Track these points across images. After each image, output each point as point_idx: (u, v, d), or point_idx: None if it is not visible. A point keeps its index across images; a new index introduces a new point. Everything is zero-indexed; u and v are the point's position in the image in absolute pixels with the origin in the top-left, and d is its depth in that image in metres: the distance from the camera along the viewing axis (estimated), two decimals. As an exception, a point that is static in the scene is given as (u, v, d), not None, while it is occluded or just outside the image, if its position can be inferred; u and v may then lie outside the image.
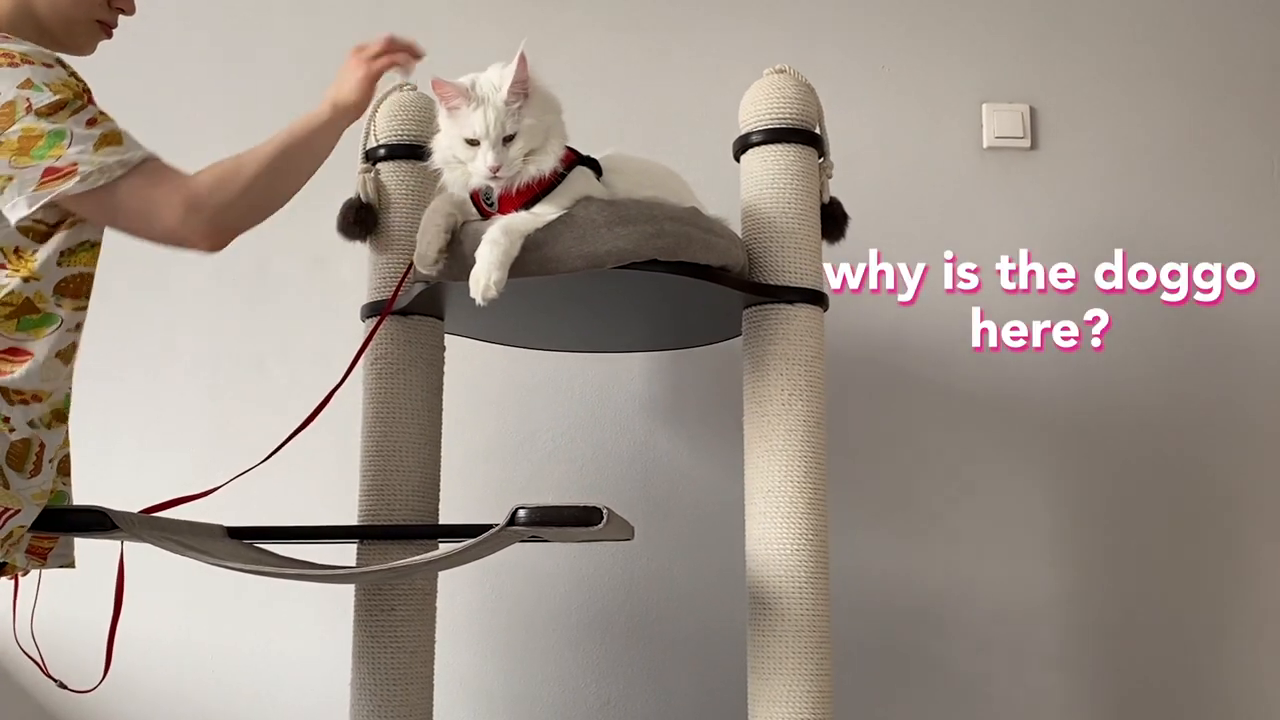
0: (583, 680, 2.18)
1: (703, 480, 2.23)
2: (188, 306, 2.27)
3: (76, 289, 1.33)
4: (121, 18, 1.48)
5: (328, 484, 2.09)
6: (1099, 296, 2.33)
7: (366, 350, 1.76)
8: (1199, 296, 2.34)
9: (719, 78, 2.32)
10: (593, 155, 1.64)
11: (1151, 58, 2.43)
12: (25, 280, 1.28)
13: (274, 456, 2.20)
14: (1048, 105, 2.40)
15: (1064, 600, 2.25)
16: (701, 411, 2.27)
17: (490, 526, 1.35)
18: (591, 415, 2.26)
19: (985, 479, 2.27)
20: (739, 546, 1.69)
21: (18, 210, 1.25)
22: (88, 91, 1.32)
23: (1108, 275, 2.33)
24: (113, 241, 1.60)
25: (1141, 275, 2.34)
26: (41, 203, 1.24)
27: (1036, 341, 2.31)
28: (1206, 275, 2.34)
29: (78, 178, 1.24)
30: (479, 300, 1.48)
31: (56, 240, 1.30)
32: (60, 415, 1.35)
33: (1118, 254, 2.35)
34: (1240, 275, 2.34)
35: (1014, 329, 2.30)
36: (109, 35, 1.47)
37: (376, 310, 1.75)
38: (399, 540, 1.68)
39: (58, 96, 1.26)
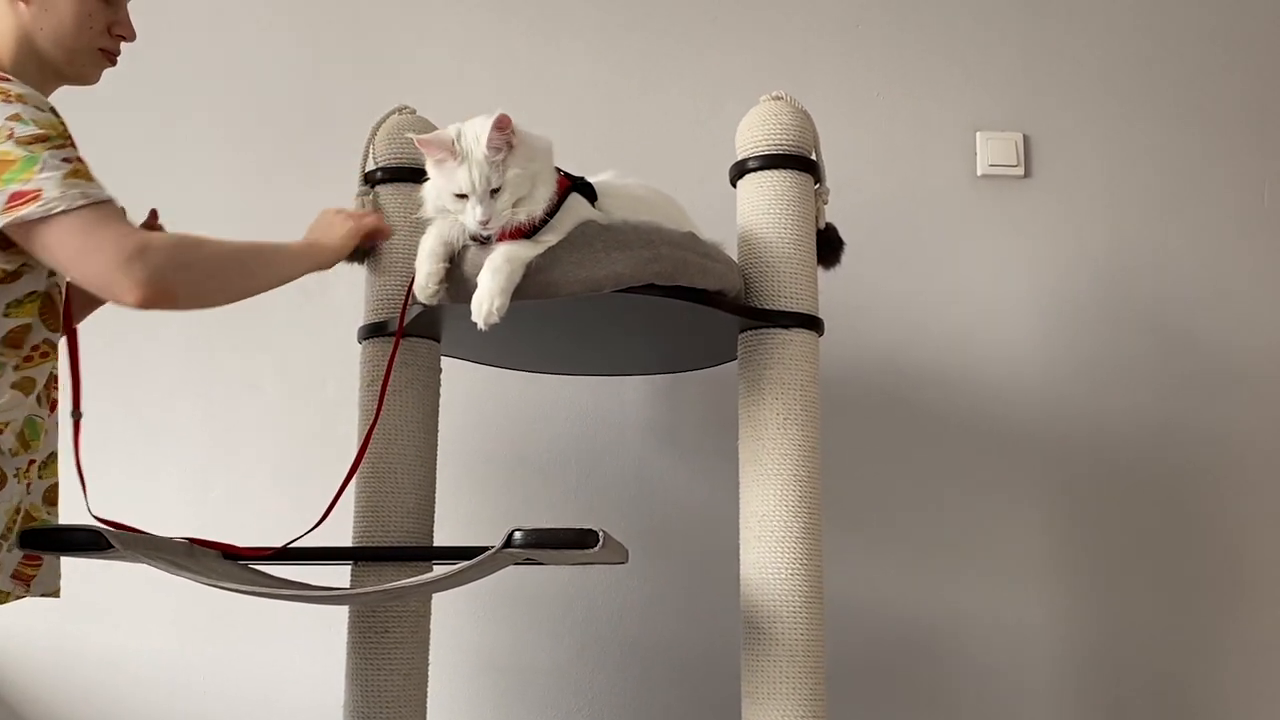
0: (576, 704, 2.18)
1: (698, 504, 2.24)
2: (181, 327, 2.27)
3: (17, 340, 1.33)
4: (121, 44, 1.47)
5: (322, 505, 2.09)
6: (1092, 321, 2.35)
7: (364, 372, 1.77)
8: (1191, 322, 2.36)
9: (716, 104, 2.34)
10: (588, 178, 1.66)
11: (1143, 86, 2.45)
12: None
13: (265, 478, 2.21)
14: (1041, 133, 2.42)
15: (1060, 624, 2.25)
16: (697, 435, 2.27)
17: (485, 549, 1.35)
18: (587, 438, 2.26)
19: (981, 503, 2.28)
20: (734, 570, 1.69)
21: None
22: (73, 140, 1.32)
23: (1100, 300, 2.36)
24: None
25: (1134, 300, 2.36)
26: (2, 224, 1.24)
27: (1031, 367, 2.32)
28: (1199, 300, 2.36)
29: (40, 202, 1.24)
30: (481, 325, 1.49)
31: (4, 290, 1.31)
32: (22, 440, 1.34)
33: (1109, 280, 2.37)
34: (1232, 300, 2.37)
35: (1008, 353, 2.32)
36: (113, 63, 1.47)
37: (373, 332, 1.76)
38: (393, 562, 1.68)
39: (41, 130, 1.27)
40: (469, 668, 2.16)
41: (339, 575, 1.74)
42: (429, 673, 1.73)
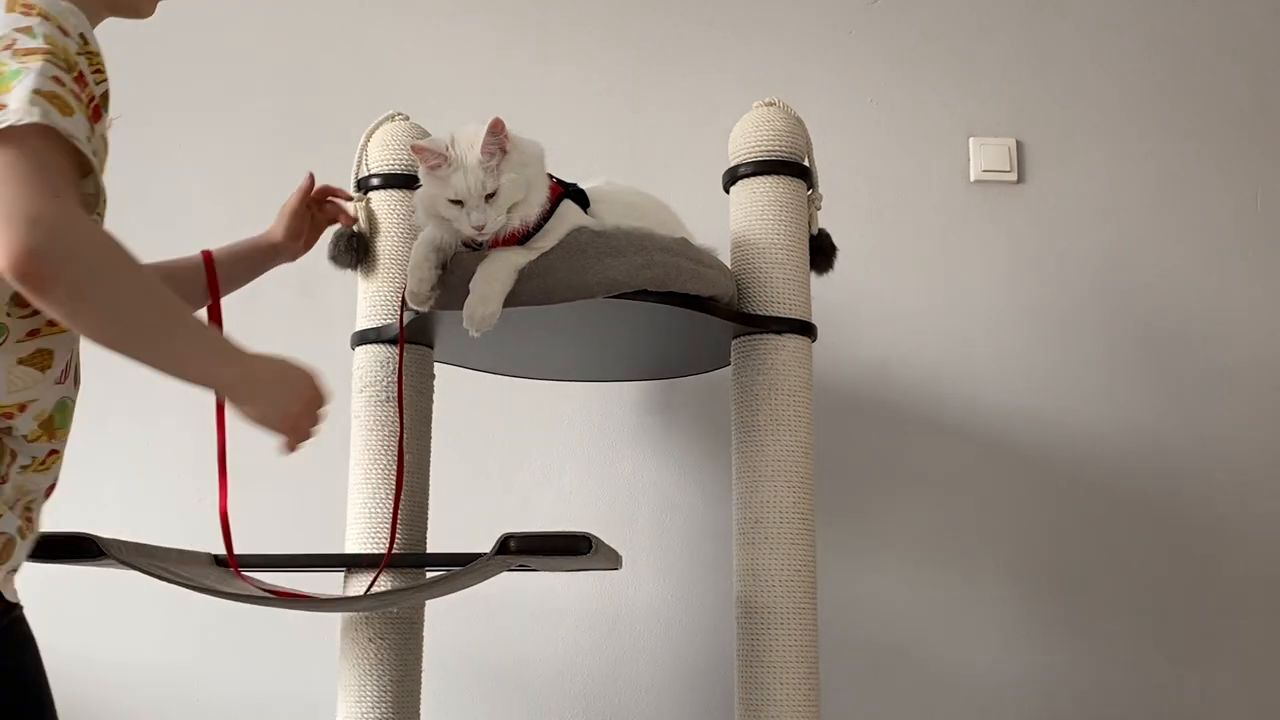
0: (570, 711, 2.17)
1: (691, 510, 2.23)
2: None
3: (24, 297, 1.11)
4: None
5: (315, 511, 2.08)
6: (1085, 327, 2.35)
7: (357, 378, 1.77)
8: (1186, 327, 2.37)
9: (709, 110, 2.35)
10: (580, 185, 1.66)
11: (1137, 93, 2.46)
12: None
13: (257, 486, 2.21)
14: (1034, 139, 2.42)
15: (1058, 629, 2.25)
16: (690, 441, 2.27)
17: (478, 555, 1.35)
18: (580, 445, 2.26)
19: (975, 509, 2.28)
20: (727, 576, 1.69)
21: None
22: (85, 77, 1.11)
23: (1093, 306, 2.36)
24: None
25: (1127, 306, 2.36)
26: None
27: (1024, 372, 2.33)
28: (1193, 306, 2.37)
29: None
30: (473, 333, 1.49)
31: None
32: (48, 427, 1.15)
33: (1103, 287, 2.38)
34: (1226, 305, 2.37)
35: (1001, 358, 2.33)
36: None
37: (366, 338, 1.76)
38: (387, 569, 1.68)
39: (45, 46, 1.06)
40: (462, 676, 2.16)
41: (332, 582, 1.73)
42: (422, 680, 1.73)
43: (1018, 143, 2.42)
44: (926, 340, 2.33)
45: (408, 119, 1.82)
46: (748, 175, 1.74)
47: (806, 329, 1.72)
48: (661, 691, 2.18)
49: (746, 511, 1.66)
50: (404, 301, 1.67)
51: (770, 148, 1.73)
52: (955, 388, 2.31)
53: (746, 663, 1.62)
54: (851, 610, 2.20)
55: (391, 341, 1.73)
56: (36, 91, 1.02)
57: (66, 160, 1.05)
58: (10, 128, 1.00)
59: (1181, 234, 2.41)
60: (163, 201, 2.29)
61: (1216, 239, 2.41)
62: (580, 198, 1.63)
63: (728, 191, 1.79)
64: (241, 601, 1.50)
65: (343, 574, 1.72)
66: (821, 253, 1.80)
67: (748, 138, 1.75)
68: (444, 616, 2.01)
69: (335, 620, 1.75)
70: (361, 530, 1.71)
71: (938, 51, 2.45)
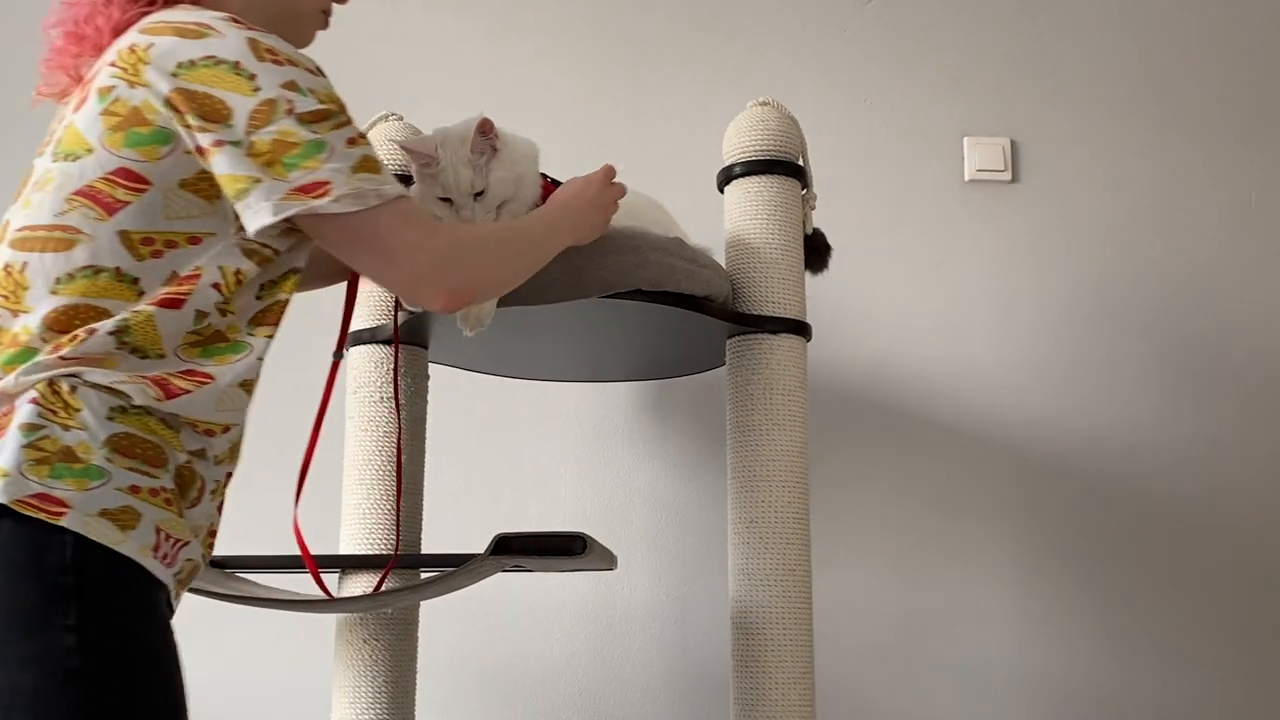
0: (565, 712, 2.17)
1: (686, 510, 2.23)
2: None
3: (273, 317, 1.20)
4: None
5: (310, 513, 2.08)
6: (1080, 326, 2.36)
7: (351, 379, 1.76)
8: (1181, 326, 2.37)
9: (703, 109, 2.34)
10: (575, 185, 1.65)
11: (1131, 91, 2.46)
12: (222, 314, 1.13)
13: (252, 486, 2.20)
14: (1028, 139, 2.43)
15: (1059, 634, 2.25)
16: (685, 441, 2.27)
17: (473, 556, 1.35)
18: (575, 445, 2.26)
19: (972, 509, 2.28)
20: (722, 576, 1.69)
21: (260, 218, 1.08)
22: (347, 109, 1.17)
23: (1088, 305, 2.36)
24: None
25: (1122, 305, 2.36)
26: (287, 214, 1.08)
27: (1019, 371, 2.33)
28: (1188, 304, 2.37)
29: (330, 197, 1.08)
30: (468, 333, 1.48)
31: (259, 272, 1.15)
32: (234, 453, 1.19)
33: (1097, 286, 2.38)
34: (1221, 303, 2.37)
35: (996, 358, 2.33)
36: (326, 25, 1.37)
37: (361, 339, 1.76)
38: (381, 570, 1.68)
39: (324, 106, 1.13)
40: (457, 676, 2.15)
41: (327, 584, 1.73)
42: (417, 681, 1.73)
43: (1012, 142, 2.42)
44: (921, 340, 2.33)
45: (401, 119, 1.82)
46: (742, 175, 1.74)
47: (801, 329, 1.71)
48: (656, 692, 2.18)
49: (741, 512, 1.66)
50: (398, 302, 1.67)
51: (765, 147, 1.73)
52: (950, 387, 2.31)
53: (741, 663, 1.62)
54: (847, 610, 2.20)
55: (386, 342, 1.73)
56: (353, 171, 1.11)
57: (403, 205, 1.15)
58: (356, 213, 1.11)
59: (1176, 233, 2.41)
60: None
61: (1211, 237, 2.41)
62: (575, 197, 1.63)
63: (722, 191, 1.79)
64: (237, 602, 1.50)
65: (337, 575, 1.72)
66: (816, 252, 1.80)
67: (742, 137, 1.75)
68: (439, 617, 2.01)
69: (330, 621, 1.74)
70: (356, 531, 1.71)
71: (932, 51, 2.45)
